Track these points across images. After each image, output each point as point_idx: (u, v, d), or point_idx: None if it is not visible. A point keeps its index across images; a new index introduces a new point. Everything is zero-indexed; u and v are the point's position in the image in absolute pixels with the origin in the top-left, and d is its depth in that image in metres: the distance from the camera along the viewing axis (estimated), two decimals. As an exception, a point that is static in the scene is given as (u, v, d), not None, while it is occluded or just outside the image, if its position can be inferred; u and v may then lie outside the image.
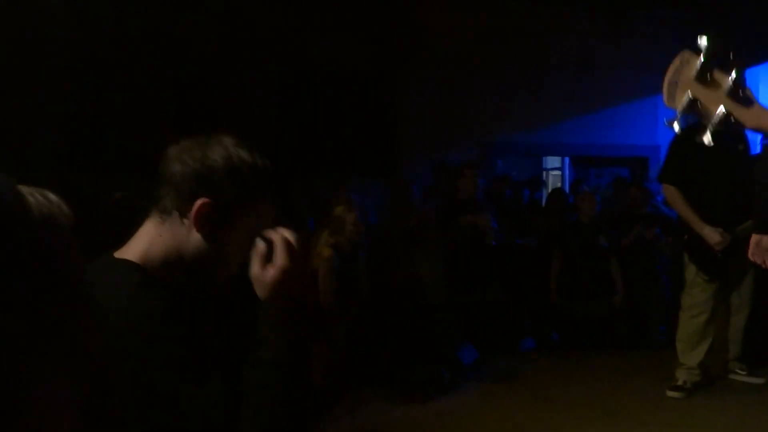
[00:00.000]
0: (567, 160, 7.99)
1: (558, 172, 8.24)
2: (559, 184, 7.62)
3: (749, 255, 2.48)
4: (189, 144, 1.08)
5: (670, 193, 3.68)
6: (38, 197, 0.50)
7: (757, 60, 6.45)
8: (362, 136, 6.01)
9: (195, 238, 1.05)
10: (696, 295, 3.66)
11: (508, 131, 6.52)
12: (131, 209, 1.16)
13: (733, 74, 1.71)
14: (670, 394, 3.65)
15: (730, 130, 3.54)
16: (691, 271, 3.67)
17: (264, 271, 1.03)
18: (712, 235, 3.48)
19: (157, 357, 0.96)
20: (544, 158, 8.27)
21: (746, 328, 3.83)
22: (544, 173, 8.46)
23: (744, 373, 3.85)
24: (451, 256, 4.51)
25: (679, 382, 3.67)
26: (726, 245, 3.47)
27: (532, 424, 3.24)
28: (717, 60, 1.73)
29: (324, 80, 5.95)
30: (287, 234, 1.05)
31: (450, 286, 4.40)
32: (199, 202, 1.03)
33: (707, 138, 1.73)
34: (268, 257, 1.04)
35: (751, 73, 6.57)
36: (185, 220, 1.05)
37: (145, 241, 1.07)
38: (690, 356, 3.68)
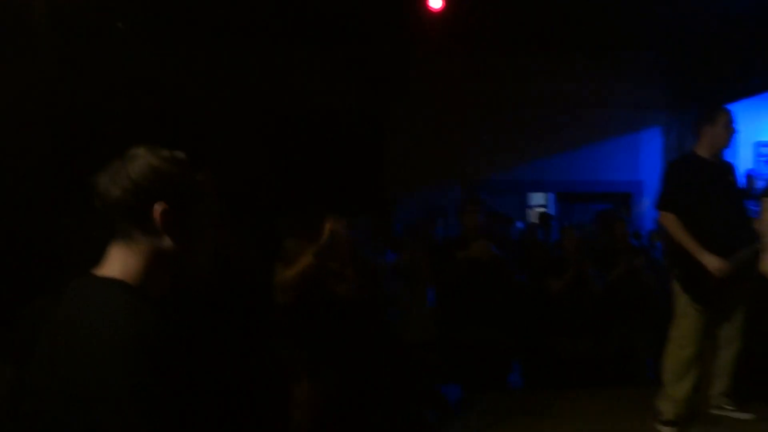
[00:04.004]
0: (552, 196, 8.06)
1: (542, 209, 8.30)
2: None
3: None
4: (110, 169, 1.12)
5: (668, 220, 3.66)
6: None
7: (733, 98, 6.62)
8: (351, 176, 6.05)
9: (166, 243, 1.11)
10: (685, 327, 3.65)
11: (493, 169, 6.60)
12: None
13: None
14: (662, 429, 3.61)
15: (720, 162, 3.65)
16: (682, 301, 3.66)
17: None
18: (713, 261, 3.49)
19: (159, 370, 0.98)
20: (528, 195, 8.34)
21: (735, 364, 3.79)
22: (528, 210, 8.53)
23: (732, 408, 3.80)
24: (446, 293, 4.50)
25: (670, 417, 3.64)
26: (726, 272, 3.48)
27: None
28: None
29: (313, 121, 6.03)
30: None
31: (442, 323, 4.38)
32: (158, 210, 1.09)
33: None
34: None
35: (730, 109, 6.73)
36: (150, 234, 1.10)
37: (120, 261, 1.11)
38: (677, 388, 3.66)
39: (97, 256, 1.12)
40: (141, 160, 1.12)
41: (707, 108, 3.80)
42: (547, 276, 4.88)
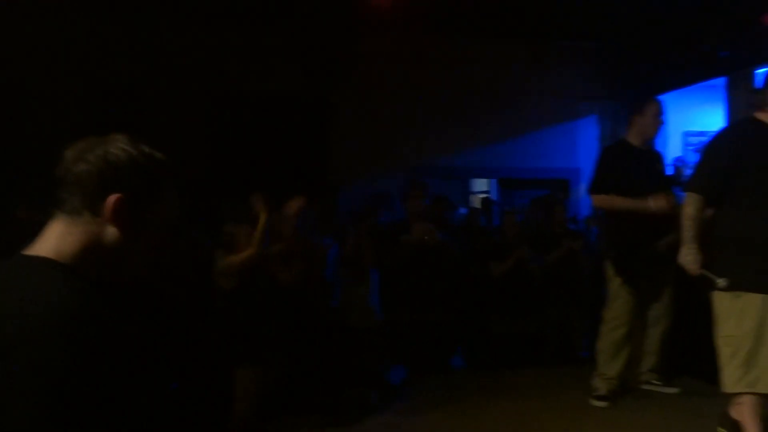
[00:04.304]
0: (494, 183, 8.21)
1: (485, 195, 8.44)
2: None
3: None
4: (86, 144, 1.10)
5: (601, 198, 3.83)
6: None
7: (665, 88, 6.89)
8: (294, 161, 5.99)
9: (110, 232, 1.09)
10: (617, 308, 3.83)
11: (436, 155, 6.66)
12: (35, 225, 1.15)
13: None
14: (596, 403, 3.77)
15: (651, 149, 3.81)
16: (615, 284, 3.82)
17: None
18: (657, 202, 3.64)
19: (93, 352, 0.96)
20: (471, 182, 8.47)
21: (663, 342, 3.97)
22: (471, 196, 8.66)
23: (659, 383, 3.99)
24: (390, 276, 4.53)
25: (602, 392, 3.80)
26: (669, 208, 3.62)
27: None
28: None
29: (256, 104, 5.93)
30: None
31: (387, 307, 4.42)
32: (113, 198, 1.07)
33: None
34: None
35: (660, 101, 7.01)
36: (97, 218, 1.07)
37: (55, 240, 1.08)
38: (610, 366, 3.83)
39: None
40: (121, 146, 1.10)
41: (638, 99, 4.00)
42: (488, 260, 4.99)
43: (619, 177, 3.74)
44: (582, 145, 7.00)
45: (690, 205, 2.69)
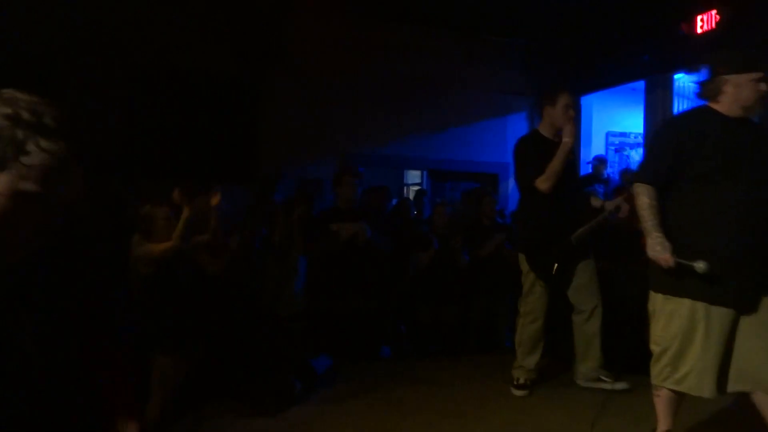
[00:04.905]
0: (425, 174, 8.30)
1: (418, 187, 8.52)
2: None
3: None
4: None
5: (542, 179, 3.67)
6: None
7: (590, 89, 7.15)
8: (222, 141, 5.82)
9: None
10: (532, 302, 3.86)
11: (369, 144, 6.65)
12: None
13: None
14: (516, 392, 3.86)
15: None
16: (529, 279, 3.85)
17: None
18: (567, 133, 3.68)
19: None
20: (405, 173, 8.52)
21: (601, 333, 3.85)
22: (405, 188, 8.71)
23: (609, 380, 3.87)
24: (317, 263, 4.47)
25: (521, 381, 3.90)
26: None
27: (382, 427, 3.28)
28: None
29: (183, 80, 5.70)
30: None
31: (314, 294, 4.36)
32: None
33: None
34: None
35: (585, 101, 7.27)
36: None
37: None
38: (528, 358, 3.91)
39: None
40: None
41: (549, 89, 3.94)
42: (415, 249, 5.03)
43: (537, 166, 3.71)
44: (512, 140, 7.15)
45: (642, 194, 2.60)
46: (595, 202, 3.96)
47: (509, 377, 3.95)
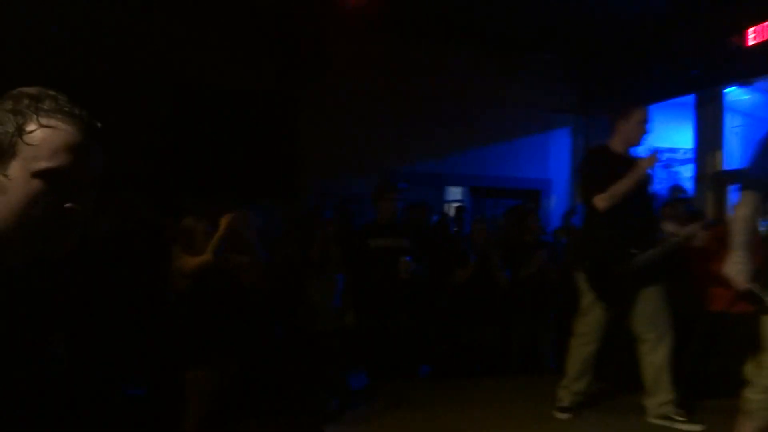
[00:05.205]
0: (465, 191, 8.23)
1: (459, 204, 8.44)
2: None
3: None
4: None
5: (603, 198, 3.52)
6: None
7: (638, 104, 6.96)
8: (265, 158, 5.90)
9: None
10: (588, 324, 3.67)
11: (409, 160, 6.64)
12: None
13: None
14: (559, 416, 3.72)
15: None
16: (587, 298, 3.66)
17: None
18: (645, 160, 3.51)
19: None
20: (446, 190, 8.47)
21: (671, 365, 3.57)
22: (446, 205, 8.64)
23: (683, 419, 3.53)
24: (357, 281, 4.45)
25: (565, 404, 3.76)
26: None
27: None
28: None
29: (227, 99, 5.83)
30: None
31: (354, 312, 4.34)
32: None
33: None
34: None
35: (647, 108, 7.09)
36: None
37: None
38: (576, 381, 3.75)
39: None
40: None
41: (623, 104, 3.78)
42: (453, 267, 4.96)
43: (606, 183, 3.54)
44: (554, 157, 7.06)
45: (745, 205, 2.36)
46: (668, 227, 3.78)
47: (552, 400, 3.82)
